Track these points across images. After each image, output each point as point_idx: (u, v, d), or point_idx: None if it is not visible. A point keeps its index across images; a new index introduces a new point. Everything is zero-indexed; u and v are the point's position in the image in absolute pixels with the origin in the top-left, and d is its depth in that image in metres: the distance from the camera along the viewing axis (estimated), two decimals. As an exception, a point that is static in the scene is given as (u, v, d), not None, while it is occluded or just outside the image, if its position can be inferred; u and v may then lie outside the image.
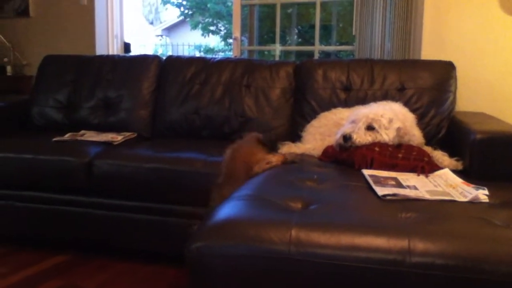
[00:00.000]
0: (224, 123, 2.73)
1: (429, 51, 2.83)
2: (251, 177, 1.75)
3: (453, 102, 2.51)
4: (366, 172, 1.77)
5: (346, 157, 1.97)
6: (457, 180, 1.70)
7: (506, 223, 1.31)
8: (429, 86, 2.49)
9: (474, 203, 1.49)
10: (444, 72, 2.54)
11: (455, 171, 1.83)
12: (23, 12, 3.79)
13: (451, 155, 2.02)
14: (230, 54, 4.81)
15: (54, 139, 2.57)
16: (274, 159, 1.87)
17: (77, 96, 2.97)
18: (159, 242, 2.32)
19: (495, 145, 1.86)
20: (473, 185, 1.61)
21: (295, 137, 2.52)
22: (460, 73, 2.58)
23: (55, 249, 2.50)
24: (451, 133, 2.36)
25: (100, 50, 3.68)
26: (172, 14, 13.80)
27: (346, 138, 1.98)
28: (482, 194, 1.53)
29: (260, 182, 1.70)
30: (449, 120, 2.43)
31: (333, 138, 2.11)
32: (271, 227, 1.26)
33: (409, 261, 1.14)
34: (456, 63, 2.56)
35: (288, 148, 2.30)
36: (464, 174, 1.82)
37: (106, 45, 3.78)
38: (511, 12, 2.69)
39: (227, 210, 1.41)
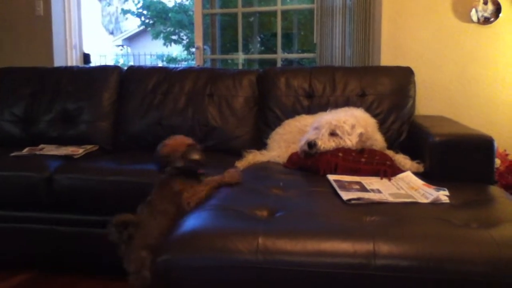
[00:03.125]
0: (188, 133, 2.67)
1: (388, 58, 2.90)
2: (182, 214, 1.63)
3: (413, 106, 2.58)
4: (331, 177, 1.79)
5: (311, 163, 1.99)
6: (419, 182, 1.74)
7: (466, 223, 1.35)
8: (389, 91, 2.55)
9: (435, 204, 1.53)
10: (403, 77, 2.60)
11: (416, 174, 1.87)
12: (-24, 23, 3.65)
13: (412, 158, 2.07)
14: (193, 63, 4.79)
15: (12, 154, 2.48)
16: (204, 192, 1.69)
17: (35, 109, 2.87)
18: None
19: (453, 147, 1.92)
20: (434, 187, 1.66)
21: (260, 145, 2.52)
22: (418, 78, 2.66)
23: (17, 268, 2.39)
24: (411, 137, 2.42)
25: (58, 62, 3.59)
26: (132, 24, 13.66)
27: (311, 144, 2.00)
28: (443, 195, 1.57)
29: (226, 191, 1.69)
30: (409, 124, 2.49)
31: (297, 145, 2.13)
32: (238, 236, 1.26)
33: (374, 264, 1.16)
34: (414, 69, 2.64)
35: (254, 156, 2.31)
36: (425, 176, 1.86)
37: (65, 56, 3.68)
38: (464, 19, 2.79)
39: (193, 221, 1.39)
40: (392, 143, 2.39)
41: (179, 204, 1.70)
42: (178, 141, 1.83)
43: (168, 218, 1.69)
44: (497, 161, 2.42)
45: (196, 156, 1.79)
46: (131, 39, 14.07)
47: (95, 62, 4.60)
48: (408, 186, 1.72)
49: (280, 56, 3.50)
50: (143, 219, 1.72)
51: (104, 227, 2.24)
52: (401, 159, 2.06)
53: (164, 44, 11.49)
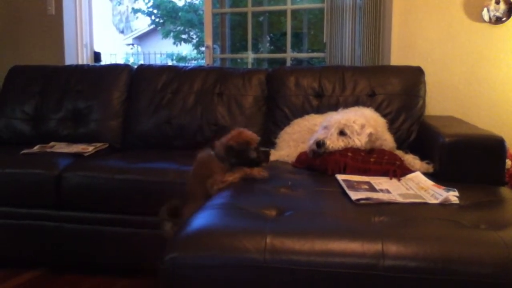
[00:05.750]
0: (197, 132, 2.71)
1: (398, 57, 2.88)
2: (209, 198, 1.69)
3: (423, 106, 2.56)
4: (340, 177, 1.78)
5: (320, 163, 1.98)
6: (428, 182, 1.73)
7: (475, 224, 1.33)
8: (399, 91, 2.54)
9: (445, 205, 1.52)
10: (413, 77, 2.59)
11: (426, 174, 1.86)
12: (-12, 22, 3.69)
13: (422, 158, 2.05)
14: (202, 63, 4.80)
15: (23, 151, 2.51)
16: (231, 178, 1.75)
17: (46, 107, 2.90)
18: (133, 254, 2.28)
19: (463, 148, 1.90)
20: (443, 187, 1.64)
21: (269, 144, 2.51)
22: (428, 78, 2.63)
23: (24, 266, 2.41)
24: (421, 137, 2.40)
25: (69, 60, 3.61)
26: (143, 23, 13.68)
27: (319, 144, 2.00)
28: (453, 196, 1.56)
29: (234, 190, 1.69)
30: (419, 124, 2.48)
31: (306, 145, 2.12)
32: (246, 235, 1.25)
33: (382, 264, 1.15)
34: (424, 68, 2.62)
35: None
36: (434, 176, 1.85)
37: (76, 54, 3.71)
38: (475, 18, 2.77)
39: (201, 220, 1.39)
40: (401, 143, 2.38)
41: (206, 192, 1.74)
42: (249, 133, 1.88)
43: (198, 203, 1.68)
44: (508, 162, 2.39)
45: (265, 149, 1.90)
46: (141, 38, 14.11)
47: (105, 60, 4.62)
48: (418, 186, 1.71)
49: (289, 55, 3.50)
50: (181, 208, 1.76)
51: (112, 225, 2.27)
52: (411, 159, 2.05)
53: (174, 43, 11.50)
